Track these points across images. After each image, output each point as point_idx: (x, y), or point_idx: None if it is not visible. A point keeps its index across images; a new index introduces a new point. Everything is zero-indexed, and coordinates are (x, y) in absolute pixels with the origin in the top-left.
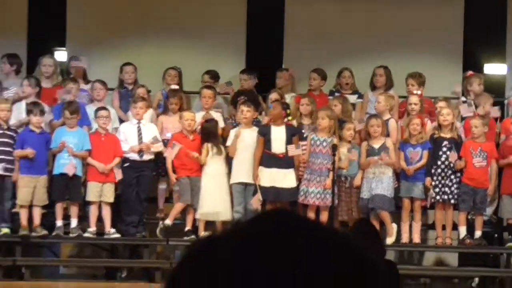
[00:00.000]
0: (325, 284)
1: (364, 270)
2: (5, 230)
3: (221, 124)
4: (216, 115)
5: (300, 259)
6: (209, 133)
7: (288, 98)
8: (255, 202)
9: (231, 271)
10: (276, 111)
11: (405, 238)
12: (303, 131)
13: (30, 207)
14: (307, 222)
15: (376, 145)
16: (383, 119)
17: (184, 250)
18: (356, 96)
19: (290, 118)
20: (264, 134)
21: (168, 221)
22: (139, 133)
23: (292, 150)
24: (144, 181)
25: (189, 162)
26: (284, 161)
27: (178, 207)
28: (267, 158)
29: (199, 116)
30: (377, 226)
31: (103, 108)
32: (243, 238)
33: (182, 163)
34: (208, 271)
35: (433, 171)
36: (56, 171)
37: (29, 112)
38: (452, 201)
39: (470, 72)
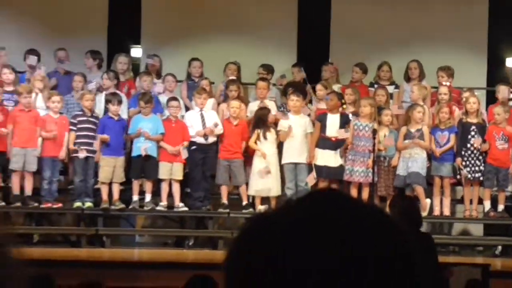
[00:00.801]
0: (371, 262)
1: (407, 250)
2: (89, 204)
3: (274, 111)
4: (270, 104)
5: (348, 238)
6: (260, 120)
7: (336, 88)
8: (310, 180)
9: (283, 248)
10: (333, 101)
11: (436, 211)
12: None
13: (110, 184)
14: (355, 201)
15: (413, 129)
16: (422, 106)
17: (242, 225)
18: (393, 86)
19: (344, 107)
20: (321, 120)
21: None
22: (202, 119)
23: (342, 134)
24: (208, 161)
25: (232, 146)
26: (335, 144)
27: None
28: (322, 141)
29: (255, 105)
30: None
31: (174, 98)
32: (295, 216)
33: (224, 146)
34: (262, 247)
35: (463, 152)
36: (134, 153)
37: (107, 101)
38: (480, 178)
39: None
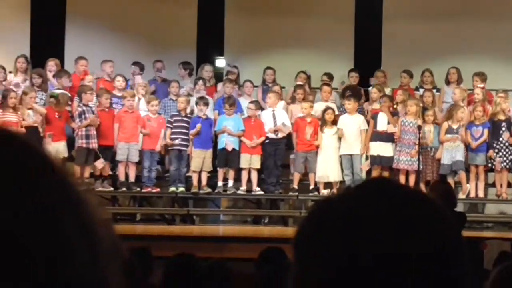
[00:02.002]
0: (421, 246)
1: (456, 237)
2: (182, 189)
3: (336, 111)
4: (332, 105)
5: (400, 223)
6: (324, 119)
7: (387, 91)
8: (364, 167)
9: (341, 230)
10: (386, 103)
11: (472, 194)
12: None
13: (200, 172)
14: (405, 188)
15: (455, 126)
16: (464, 107)
17: (309, 208)
18: (435, 90)
19: (395, 106)
20: (374, 118)
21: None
22: (273, 118)
23: (391, 129)
24: (279, 152)
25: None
26: (385, 137)
27: (296, 176)
28: (375, 135)
29: (320, 105)
30: (453, 184)
31: (253, 101)
32: (353, 202)
33: (300, 140)
34: (324, 228)
35: (494, 145)
36: (219, 146)
37: (197, 103)
38: (509, 166)
39: None
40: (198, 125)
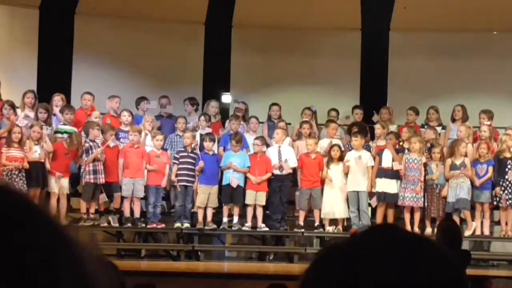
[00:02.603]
0: None
1: (461, 282)
2: (187, 225)
3: (342, 148)
4: (337, 141)
5: (407, 269)
6: (330, 156)
7: (393, 128)
8: (373, 202)
9: (347, 279)
10: (393, 141)
11: (478, 231)
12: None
13: (205, 208)
14: (411, 235)
15: (458, 161)
16: (466, 143)
17: (317, 254)
18: (440, 127)
19: (401, 143)
20: (379, 155)
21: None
22: (279, 154)
23: (396, 166)
24: (284, 189)
25: (312, 176)
26: (390, 174)
27: (301, 212)
28: (380, 172)
29: (326, 142)
30: (458, 222)
31: (259, 137)
32: (359, 248)
33: (305, 176)
34: (331, 274)
35: (501, 183)
36: (224, 182)
37: (203, 139)
38: None
39: None
40: (201, 163)
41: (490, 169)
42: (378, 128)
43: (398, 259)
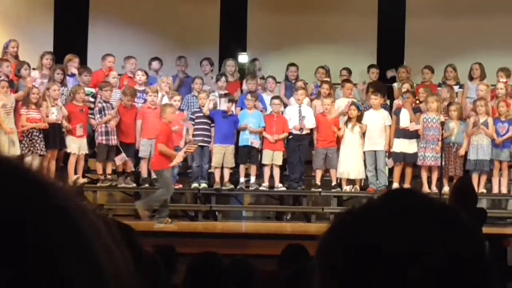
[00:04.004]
0: (445, 258)
1: (479, 250)
2: (204, 185)
3: (359, 107)
4: (355, 100)
5: (423, 236)
6: (348, 116)
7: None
8: (389, 163)
9: (364, 245)
10: (410, 99)
11: (495, 189)
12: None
13: (222, 168)
14: (428, 199)
15: (481, 120)
16: (486, 101)
17: (333, 220)
18: (458, 86)
19: (418, 102)
20: (396, 115)
21: None
22: (299, 113)
23: (413, 126)
24: (303, 148)
25: (328, 136)
26: (408, 133)
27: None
28: (397, 132)
29: (342, 101)
30: (477, 180)
31: (276, 97)
32: (376, 214)
33: (321, 136)
34: (347, 241)
35: None
36: (241, 143)
37: (221, 98)
38: None
39: None
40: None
41: (511, 128)
42: (396, 88)
43: (415, 226)
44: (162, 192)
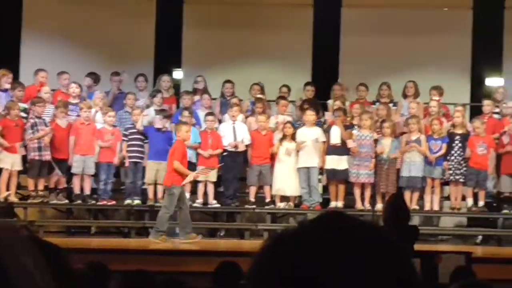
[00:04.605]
0: (373, 279)
1: (408, 270)
2: (137, 201)
3: (294, 124)
4: (289, 118)
5: (353, 258)
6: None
7: (346, 105)
8: (323, 180)
9: (295, 267)
10: (341, 117)
11: (427, 206)
12: (355, 128)
13: (155, 184)
14: (359, 222)
15: (413, 137)
16: (419, 119)
17: (264, 242)
18: (391, 104)
19: (349, 119)
20: (328, 131)
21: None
22: (233, 131)
23: (350, 143)
24: (238, 165)
25: (263, 153)
26: (339, 150)
27: (251, 189)
28: (328, 148)
29: (278, 118)
30: (410, 197)
31: (211, 113)
32: (307, 237)
33: (255, 153)
34: (278, 264)
35: (448, 157)
36: None
37: (157, 115)
38: (461, 180)
39: None
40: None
41: (444, 145)
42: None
43: (345, 250)
44: (162, 211)
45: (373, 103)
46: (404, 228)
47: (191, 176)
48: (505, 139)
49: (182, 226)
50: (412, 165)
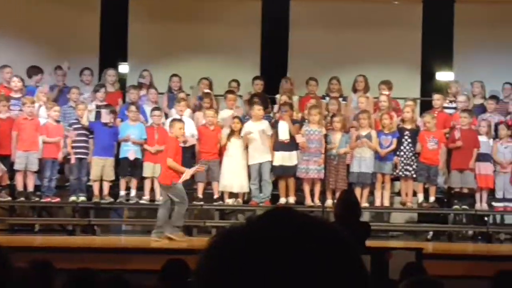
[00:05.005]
0: (322, 275)
1: (357, 265)
2: (82, 198)
3: (242, 120)
4: (238, 113)
5: (300, 254)
6: (231, 128)
7: (294, 99)
8: (272, 175)
9: (242, 265)
10: (288, 112)
11: (377, 202)
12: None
13: (101, 181)
14: (307, 218)
15: (364, 133)
16: (369, 114)
17: (210, 240)
18: (341, 98)
19: (298, 114)
20: (275, 127)
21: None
22: None
23: (299, 138)
24: (185, 161)
25: (211, 148)
26: (288, 146)
27: (199, 185)
28: (276, 144)
29: (225, 113)
30: (360, 193)
31: (157, 108)
32: (254, 234)
33: (203, 149)
34: (225, 263)
35: (398, 152)
36: (121, 155)
37: (100, 110)
38: (413, 175)
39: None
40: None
41: (394, 140)
42: (283, 100)
43: (294, 246)
44: (179, 206)
45: (323, 97)
46: (355, 224)
47: (187, 173)
48: (457, 134)
49: (172, 222)
50: (363, 161)
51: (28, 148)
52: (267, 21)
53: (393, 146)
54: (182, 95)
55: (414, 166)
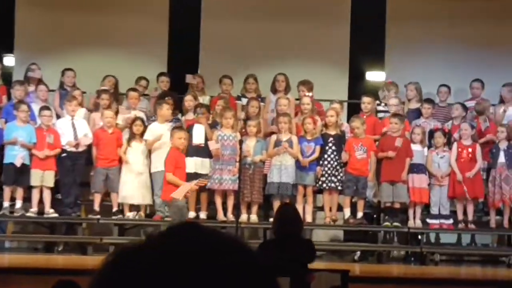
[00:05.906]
0: None
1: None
2: None
3: (145, 122)
4: (141, 114)
5: (206, 273)
6: (131, 131)
7: (205, 100)
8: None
9: (141, 282)
10: (205, 114)
11: None
12: (217, 127)
13: None
14: (213, 234)
15: (284, 138)
16: (290, 117)
17: (106, 258)
18: (259, 99)
19: (214, 117)
20: (189, 131)
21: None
22: (73, 128)
23: (212, 145)
24: (79, 168)
25: (109, 153)
26: (203, 151)
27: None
28: (190, 149)
29: (127, 114)
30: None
31: (47, 107)
32: (155, 252)
33: (101, 154)
34: (123, 281)
35: (321, 162)
36: (6, 160)
37: None
38: (339, 187)
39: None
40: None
41: (318, 148)
42: (189, 100)
43: (197, 266)
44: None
45: (238, 98)
46: (298, 242)
47: (185, 187)
48: (398, 142)
49: None
50: (283, 169)
51: None
52: (175, 11)
53: (316, 154)
54: (77, 92)
55: (339, 177)
